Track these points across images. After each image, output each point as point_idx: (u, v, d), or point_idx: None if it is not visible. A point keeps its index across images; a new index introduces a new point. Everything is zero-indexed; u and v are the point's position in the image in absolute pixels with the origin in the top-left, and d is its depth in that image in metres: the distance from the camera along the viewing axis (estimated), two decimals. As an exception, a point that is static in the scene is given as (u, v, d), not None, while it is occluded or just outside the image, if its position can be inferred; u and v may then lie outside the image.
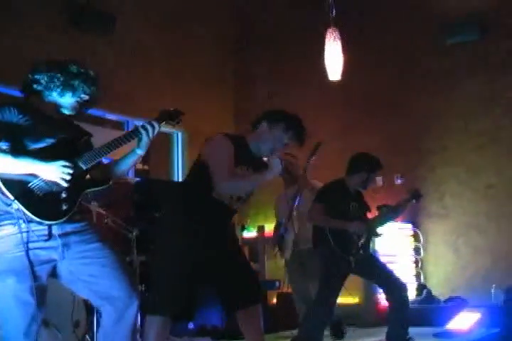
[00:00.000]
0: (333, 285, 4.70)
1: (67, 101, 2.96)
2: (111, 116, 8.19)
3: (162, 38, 8.83)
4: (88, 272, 2.81)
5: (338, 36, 5.99)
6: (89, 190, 2.90)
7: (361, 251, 4.79)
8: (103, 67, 7.95)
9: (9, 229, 2.69)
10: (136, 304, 2.85)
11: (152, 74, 8.63)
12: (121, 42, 8.15)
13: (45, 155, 2.72)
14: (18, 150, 2.68)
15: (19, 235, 2.66)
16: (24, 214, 2.64)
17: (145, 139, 2.96)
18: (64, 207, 2.77)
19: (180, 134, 8.95)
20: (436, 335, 5.65)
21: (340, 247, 4.65)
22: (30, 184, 2.68)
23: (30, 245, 2.68)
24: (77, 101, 2.99)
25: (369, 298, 6.94)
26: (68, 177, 2.71)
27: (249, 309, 3.58)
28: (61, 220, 2.76)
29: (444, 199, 8.30)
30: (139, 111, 7.84)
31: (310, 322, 4.69)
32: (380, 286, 4.92)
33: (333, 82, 7.12)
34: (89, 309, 4.59)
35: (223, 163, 3.46)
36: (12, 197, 2.62)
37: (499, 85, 8.13)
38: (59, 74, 2.94)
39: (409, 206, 5.14)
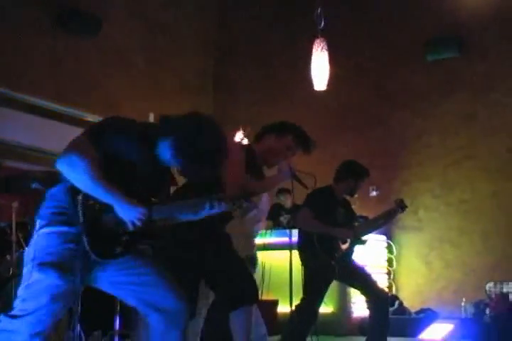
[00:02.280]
0: (318, 291, 4.73)
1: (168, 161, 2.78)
2: (90, 118, 8.14)
3: (146, 42, 8.88)
4: (131, 281, 2.75)
5: (326, 47, 6.07)
6: (144, 241, 2.83)
7: (344, 257, 4.84)
8: (86, 68, 8.00)
9: (61, 228, 2.62)
10: (184, 311, 2.78)
11: (134, 78, 8.65)
12: (104, 46, 8.17)
13: (130, 189, 2.65)
14: (111, 176, 2.59)
15: (69, 235, 2.60)
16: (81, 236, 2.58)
17: (205, 213, 2.83)
18: (118, 250, 2.70)
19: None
20: (411, 345, 5.74)
21: (325, 252, 4.69)
22: (105, 214, 2.62)
23: (77, 247, 2.60)
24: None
25: (344, 307, 6.99)
26: (139, 225, 2.64)
27: (244, 309, 3.61)
28: (108, 260, 2.68)
29: (418, 213, 8.44)
30: (119, 113, 7.83)
31: (293, 327, 4.72)
32: (362, 293, 4.97)
33: (313, 93, 7.19)
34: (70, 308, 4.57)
35: (238, 170, 3.52)
36: (81, 220, 2.56)
37: (477, 103, 8.32)
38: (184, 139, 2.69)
39: (397, 216, 5.21)
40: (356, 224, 5.15)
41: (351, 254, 4.95)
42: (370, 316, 4.90)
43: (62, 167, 2.56)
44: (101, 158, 2.58)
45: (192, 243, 3.55)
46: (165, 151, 2.72)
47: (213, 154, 2.75)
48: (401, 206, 5.15)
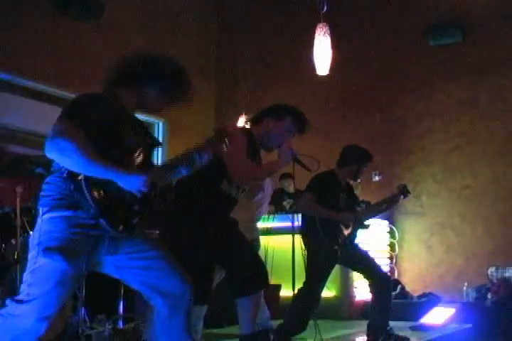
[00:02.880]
0: (321, 274, 4.75)
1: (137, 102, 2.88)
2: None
3: (146, 26, 8.84)
4: (136, 265, 2.75)
5: (328, 31, 6.04)
6: (156, 206, 2.83)
7: (347, 242, 4.84)
8: (87, 52, 7.97)
9: (65, 212, 2.61)
10: (188, 294, 2.79)
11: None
12: (106, 30, 8.14)
13: (126, 160, 2.67)
14: (105, 152, 2.59)
15: (74, 218, 2.60)
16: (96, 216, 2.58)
17: (197, 164, 2.91)
18: (135, 221, 2.71)
19: (161, 124, 8.95)
20: (412, 328, 5.75)
21: (328, 237, 4.69)
22: (110, 190, 2.61)
23: (82, 231, 2.62)
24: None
25: (346, 291, 7.01)
26: (145, 191, 2.63)
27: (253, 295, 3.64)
28: (129, 233, 2.70)
29: (420, 198, 8.45)
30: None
31: (295, 311, 4.74)
32: (365, 277, 4.99)
33: (315, 78, 7.18)
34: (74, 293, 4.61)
35: (242, 154, 3.53)
36: (92, 204, 2.55)
37: (479, 88, 8.30)
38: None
39: (399, 202, 5.20)
40: (358, 209, 5.15)
41: (354, 238, 4.96)
42: (373, 300, 4.92)
43: (53, 154, 2.54)
44: (86, 135, 2.56)
45: (204, 229, 3.56)
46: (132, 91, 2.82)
47: (176, 73, 2.89)
48: (403, 192, 5.15)
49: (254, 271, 3.62)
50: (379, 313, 4.86)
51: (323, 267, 4.76)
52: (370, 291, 4.95)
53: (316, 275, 4.73)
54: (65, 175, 2.59)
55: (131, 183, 2.60)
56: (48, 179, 2.71)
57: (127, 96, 2.83)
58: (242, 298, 3.62)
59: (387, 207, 5.22)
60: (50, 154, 2.54)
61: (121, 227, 2.65)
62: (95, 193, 2.57)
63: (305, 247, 4.79)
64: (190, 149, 2.90)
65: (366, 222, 5.05)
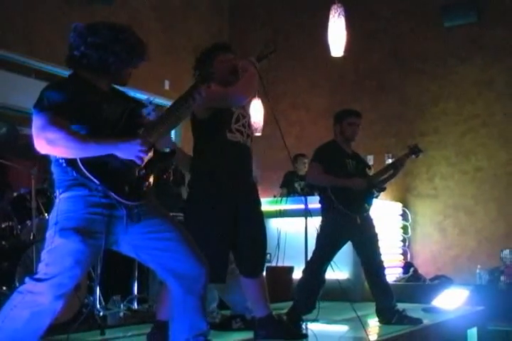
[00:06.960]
0: (329, 246, 4.68)
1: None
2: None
3: (161, 9, 8.84)
4: (153, 246, 2.76)
5: (343, 12, 5.99)
6: (160, 164, 2.85)
7: (366, 206, 4.78)
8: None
9: (81, 191, 2.64)
10: (204, 276, 2.81)
11: (149, 45, 8.61)
12: (119, 13, 8.13)
13: (113, 132, 2.65)
14: (92, 131, 2.61)
15: (90, 198, 2.63)
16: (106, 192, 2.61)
17: (197, 103, 2.90)
18: (145, 186, 2.75)
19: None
20: (424, 310, 5.76)
21: (344, 205, 4.62)
22: (110, 164, 2.62)
23: (98, 210, 2.65)
24: None
25: (358, 273, 7.02)
26: (144, 155, 2.62)
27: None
28: (143, 201, 2.73)
29: (434, 181, 8.43)
30: (134, 82, 7.83)
31: (301, 291, 4.74)
32: (361, 263, 5.00)
33: (328, 59, 7.13)
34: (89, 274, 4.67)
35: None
36: (97, 182, 2.58)
37: (494, 69, 8.23)
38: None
39: (408, 160, 5.09)
40: (370, 173, 5.04)
41: (370, 204, 4.85)
42: (370, 284, 4.93)
43: (45, 148, 2.55)
44: (67, 120, 2.57)
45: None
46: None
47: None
48: (415, 151, 5.06)
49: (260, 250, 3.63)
50: (380, 297, 4.85)
51: (332, 237, 4.67)
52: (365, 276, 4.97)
53: (323, 248, 4.66)
54: (64, 164, 2.61)
55: (128, 151, 2.60)
56: (52, 169, 2.74)
57: (92, 74, 2.80)
58: (250, 278, 3.63)
59: (398, 168, 5.05)
60: (43, 149, 2.56)
61: (133, 196, 2.68)
62: (98, 171, 2.59)
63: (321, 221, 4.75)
64: (186, 92, 2.85)
65: (382, 185, 4.93)
